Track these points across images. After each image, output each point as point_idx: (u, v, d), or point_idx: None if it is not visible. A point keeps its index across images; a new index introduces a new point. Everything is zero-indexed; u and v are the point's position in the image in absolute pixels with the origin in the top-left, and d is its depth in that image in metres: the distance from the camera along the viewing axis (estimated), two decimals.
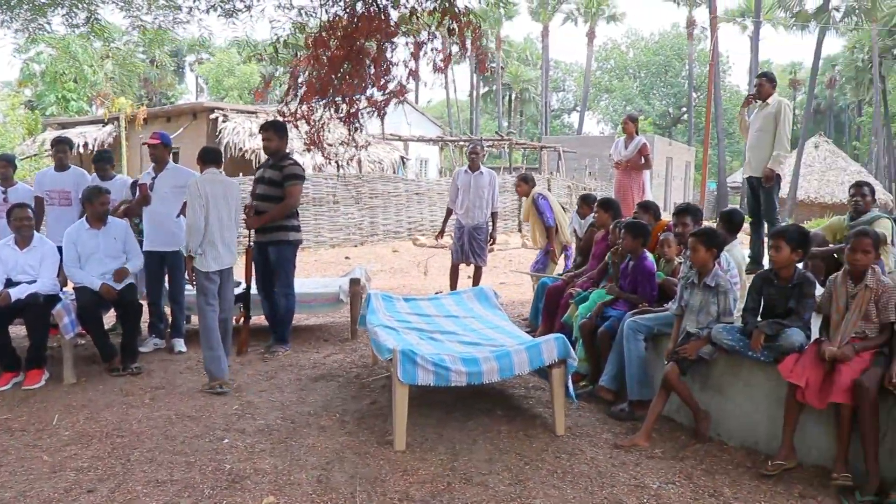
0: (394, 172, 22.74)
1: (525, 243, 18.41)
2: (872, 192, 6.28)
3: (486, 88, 62.32)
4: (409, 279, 13.35)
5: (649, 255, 6.06)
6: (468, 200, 9.26)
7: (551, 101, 72.41)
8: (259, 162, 14.53)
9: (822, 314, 4.62)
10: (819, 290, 4.78)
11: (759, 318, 4.79)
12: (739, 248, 5.88)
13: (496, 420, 5.29)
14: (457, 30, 6.86)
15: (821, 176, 40.05)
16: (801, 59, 47.46)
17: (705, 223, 6.06)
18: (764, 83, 8.05)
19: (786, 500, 4.09)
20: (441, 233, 9.79)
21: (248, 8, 7.86)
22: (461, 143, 27.52)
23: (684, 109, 62.00)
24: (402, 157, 24.60)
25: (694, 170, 42.32)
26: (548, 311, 7.01)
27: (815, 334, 4.66)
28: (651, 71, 69.13)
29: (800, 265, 4.92)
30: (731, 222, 5.94)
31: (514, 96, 62.66)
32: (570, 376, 5.08)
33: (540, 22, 55.28)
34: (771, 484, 4.29)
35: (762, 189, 7.89)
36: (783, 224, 6.74)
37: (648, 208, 6.98)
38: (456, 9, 6.79)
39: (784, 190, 38.94)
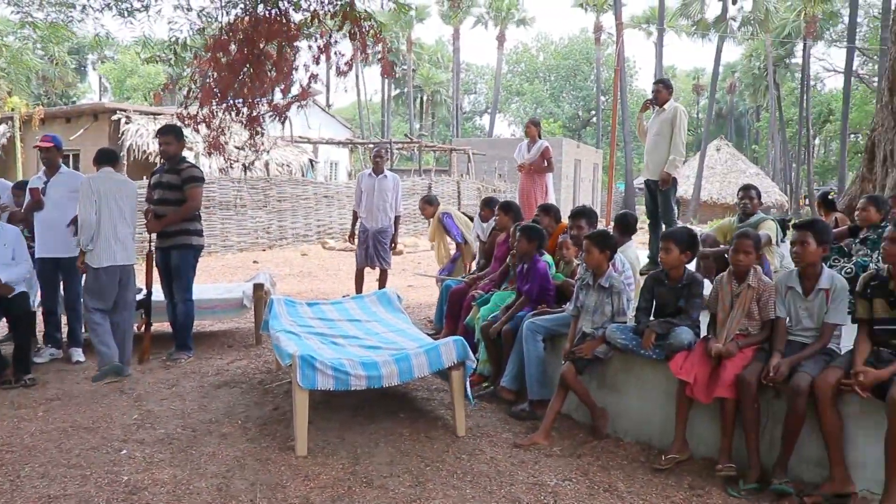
0: (303, 175, 22.53)
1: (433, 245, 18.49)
2: (759, 194, 6.54)
3: (398, 90, 62.35)
4: (318, 283, 13.26)
5: (546, 258, 6.17)
6: (372, 204, 9.27)
7: (463, 104, 72.90)
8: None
9: (710, 312, 4.81)
10: (709, 289, 4.96)
11: (651, 318, 4.95)
12: (633, 249, 6.06)
13: (399, 423, 5.32)
14: (358, 34, 6.85)
15: (722, 178, 41.49)
16: (703, 65, 49.25)
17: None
18: (661, 89, 8.28)
19: (676, 492, 4.24)
20: (352, 234, 9.77)
21: (146, 8, 7.69)
22: (371, 145, 27.47)
23: (593, 112, 63.28)
24: (310, 160, 24.40)
25: (602, 171, 43.23)
26: (451, 313, 7.07)
27: (704, 332, 4.85)
28: (561, 74, 70.36)
29: (690, 266, 5.10)
30: (624, 224, 6.12)
31: (425, 98, 62.84)
32: (468, 378, 5.14)
33: (451, 25, 55.57)
34: (663, 477, 4.44)
35: (659, 192, 8.14)
36: (676, 226, 6.98)
37: (549, 211, 7.10)
38: (357, 13, 6.77)
39: (688, 191, 40.24)
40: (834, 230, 6.42)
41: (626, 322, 5.12)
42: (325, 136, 27.83)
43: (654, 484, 4.36)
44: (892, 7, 7.05)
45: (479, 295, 6.68)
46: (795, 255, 4.40)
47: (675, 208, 8.30)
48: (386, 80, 56.31)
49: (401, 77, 60.03)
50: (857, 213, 6.27)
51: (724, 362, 4.41)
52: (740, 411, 4.34)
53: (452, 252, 9.74)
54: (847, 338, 4.41)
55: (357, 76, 52.17)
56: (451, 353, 5.00)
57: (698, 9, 43.07)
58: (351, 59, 7.46)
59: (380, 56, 8.20)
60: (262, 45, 6.97)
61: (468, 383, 5.17)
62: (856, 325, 4.34)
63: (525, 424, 5.34)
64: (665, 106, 8.19)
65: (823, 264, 4.47)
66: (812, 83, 53.38)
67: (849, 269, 5.76)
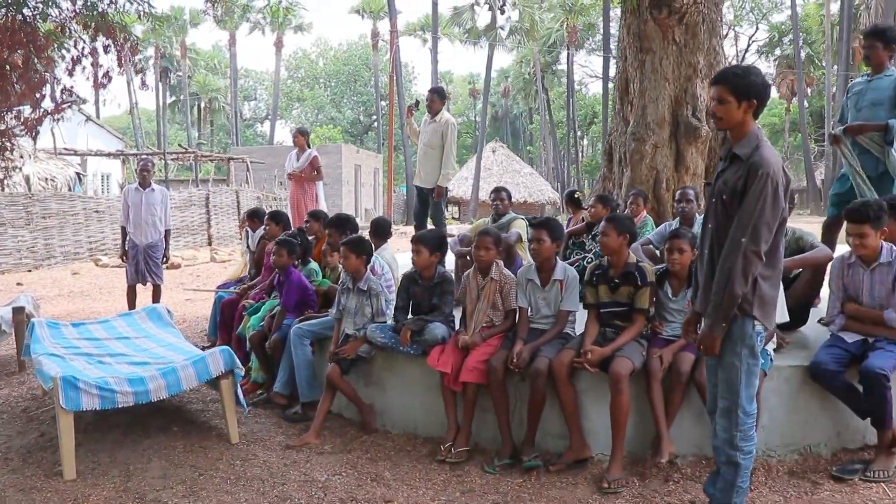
0: (69, 189, 21.31)
1: (214, 257, 18.16)
2: (509, 195, 7.06)
3: (174, 98, 60.08)
4: (91, 302, 12.67)
5: (312, 266, 6.40)
6: (140, 218, 9.03)
7: (243, 111, 71.49)
8: None
9: (461, 306, 5.23)
10: None
11: (409, 316, 5.30)
12: (390, 251, 6.39)
13: (172, 436, 5.33)
14: (112, 46, 6.72)
15: (499, 178, 43.33)
16: (478, 70, 51.33)
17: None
18: (435, 99, 8.46)
19: (438, 475, 4.60)
20: (125, 252, 9.46)
21: None
22: (144, 156, 26.44)
23: (374, 117, 64.13)
24: (77, 174, 23.13)
25: (383, 176, 43.96)
26: (223, 324, 7.13)
27: (458, 325, 5.25)
28: (341, 80, 70.70)
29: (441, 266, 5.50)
30: (378, 229, 6.45)
31: (203, 106, 60.94)
32: (239, 385, 5.26)
33: (226, 30, 54.34)
34: (426, 462, 4.79)
35: (431, 199, 8.49)
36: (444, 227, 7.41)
37: (318, 217, 7.31)
38: (110, 25, 6.64)
39: (467, 192, 41.87)
40: (576, 227, 7.11)
41: (385, 322, 5.43)
42: (94, 147, 26.45)
43: (419, 469, 4.70)
44: (621, 25, 7.94)
45: (249, 304, 6.78)
46: (533, 250, 4.90)
47: (444, 211, 8.71)
48: (160, 87, 54.20)
49: (176, 84, 57.92)
50: (588, 210, 6.95)
51: (471, 351, 4.82)
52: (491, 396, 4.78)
53: None
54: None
55: (128, 83, 49.75)
56: (219, 362, 5.09)
57: (469, 17, 44.90)
58: (109, 72, 7.29)
59: (138, 69, 7.96)
60: (4, 55, 6.64)
61: (240, 391, 5.28)
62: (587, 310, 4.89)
63: (298, 427, 5.51)
64: (437, 117, 8.41)
65: (557, 258, 4.99)
66: (577, 88, 57.22)
67: (589, 260, 6.41)
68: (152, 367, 5.18)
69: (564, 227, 5.41)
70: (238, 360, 5.22)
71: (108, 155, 26.59)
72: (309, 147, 10.03)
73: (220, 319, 7.24)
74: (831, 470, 4.43)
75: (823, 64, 41.73)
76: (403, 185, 41.34)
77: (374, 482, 4.52)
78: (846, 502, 4.08)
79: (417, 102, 8.83)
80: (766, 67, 54.41)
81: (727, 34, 53.49)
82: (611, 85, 41.64)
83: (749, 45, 53.57)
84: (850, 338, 4.66)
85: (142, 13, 7.77)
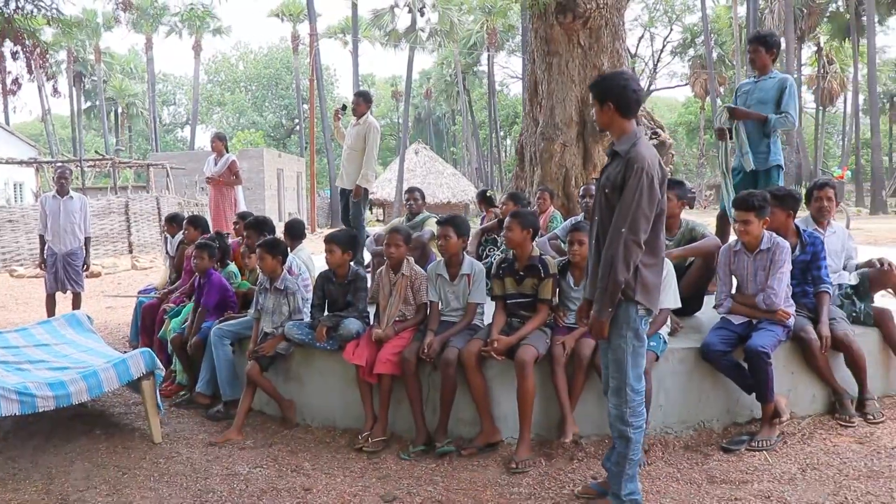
0: None
1: (135, 264, 17.96)
2: (423, 195, 7.33)
3: (89, 103, 58.65)
4: (7, 314, 12.44)
5: (231, 269, 6.55)
6: (58, 226, 9.00)
7: (163, 116, 70.24)
8: None
9: (375, 303, 5.45)
10: None
11: (325, 313, 5.50)
12: (306, 252, 6.57)
13: (95, 439, 5.40)
14: (20, 51, 6.71)
15: (422, 179, 43.61)
16: (401, 72, 51.58)
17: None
18: (360, 102, 8.63)
19: (356, 463, 4.82)
20: (43, 261, 9.38)
21: None
22: (60, 164, 25.85)
23: (297, 121, 63.77)
24: None
25: (306, 179, 43.81)
26: (145, 328, 7.20)
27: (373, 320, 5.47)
28: (262, 83, 70.09)
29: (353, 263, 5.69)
30: (292, 230, 6.63)
31: (120, 111, 59.62)
32: (160, 387, 5.37)
33: (143, 33, 53.30)
34: (345, 452, 5.00)
35: (352, 200, 8.67)
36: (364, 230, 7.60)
37: (245, 219, 7.41)
38: (17, 31, 6.62)
39: (391, 194, 42.01)
40: (489, 224, 7.39)
41: (302, 319, 5.61)
42: (4, 155, 25.76)
43: (338, 459, 4.91)
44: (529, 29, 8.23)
45: (170, 308, 6.86)
46: (440, 247, 5.15)
47: (363, 212, 8.88)
48: (74, 93, 52.87)
49: (91, 89, 56.55)
50: (500, 208, 7.25)
51: (385, 344, 5.05)
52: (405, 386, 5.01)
53: None
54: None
55: (40, 89, 48.36)
56: (140, 364, 5.21)
57: (389, 20, 45.06)
58: (18, 78, 7.25)
59: (49, 76, 7.93)
60: None
61: (157, 393, 5.38)
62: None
63: (221, 424, 5.65)
64: (360, 119, 8.60)
65: (465, 253, 5.25)
66: (499, 88, 57.91)
67: (498, 255, 6.69)
68: (73, 371, 5.25)
69: (471, 225, 5.63)
70: (159, 362, 5.33)
71: (21, 163, 25.91)
72: (227, 152, 10.12)
73: (142, 324, 7.29)
74: (721, 443, 4.78)
75: (734, 64, 43.15)
76: (328, 189, 41.22)
77: (295, 473, 4.70)
78: (732, 469, 4.43)
79: (345, 107, 9.01)
80: (681, 67, 56.11)
81: (643, 35, 55.04)
82: None
83: (664, 46, 55.08)
84: (737, 320, 5.04)
85: (50, 18, 7.72)
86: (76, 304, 9.22)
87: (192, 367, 6.27)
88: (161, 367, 5.37)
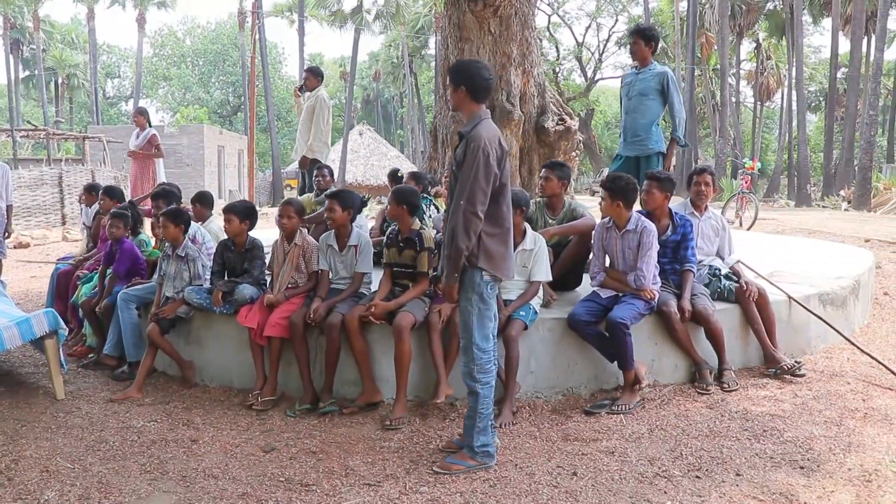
0: None
1: (66, 236, 17.95)
2: (332, 172, 7.68)
3: (27, 72, 57.33)
4: None
5: (142, 237, 6.86)
6: None
7: (106, 88, 68.99)
8: None
9: (271, 271, 5.79)
10: None
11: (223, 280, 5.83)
12: (218, 223, 6.87)
13: None
14: None
15: (366, 161, 43.92)
16: (349, 53, 51.37)
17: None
18: (310, 77, 9.26)
19: (245, 419, 5.17)
20: None
21: None
22: None
23: (243, 98, 63.16)
24: None
25: (248, 157, 43.56)
26: (59, 294, 7.44)
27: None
28: (209, 59, 69.24)
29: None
30: (201, 199, 6.94)
31: (60, 82, 58.37)
32: (61, 346, 5.64)
33: (84, 4, 52.26)
34: (236, 410, 5.35)
35: (305, 171, 9.11)
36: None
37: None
38: None
39: (335, 174, 42.05)
40: None
41: (202, 285, 5.93)
42: None
43: (228, 416, 5.26)
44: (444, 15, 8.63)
45: (84, 275, 7.12)
46: (327, 219, 5.50)
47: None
48: (11, 60, 51.61)
49: (30, 58, 55.29)
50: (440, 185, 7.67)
51: (276, 308, 5.41)
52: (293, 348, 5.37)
53: None
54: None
55: None
56: (43, 323, 5.48)
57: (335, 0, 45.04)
58: None
59: None
60: None
61: (62, 353, 5.66)
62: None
63: (125, 384, 5.93)
64: (312, 93, 9.12)
65: (352, 225, 5.61)
66: None
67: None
68: None
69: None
70: (62, 322, 5.60)
71: None
72: (150, 126, 10.37)
73: (56, 290, 7.52)
74: (585, 407, 5.22)
75: (675, 56, 44.02)
76: (270, 168, 41.14)
77: (185, 426, 5.03)
78: (586, 429, 4.85)
79: (302, 86, 9.37)
80: (626, 58, 56.85)
81: (590, 25, 55.66)
82: None
83: (609, 36, 55.76)
84: (605, 293, 5.49)
85: None
86: None
87: (101, 331, 6.54)
88: (64, 326, 5.65)
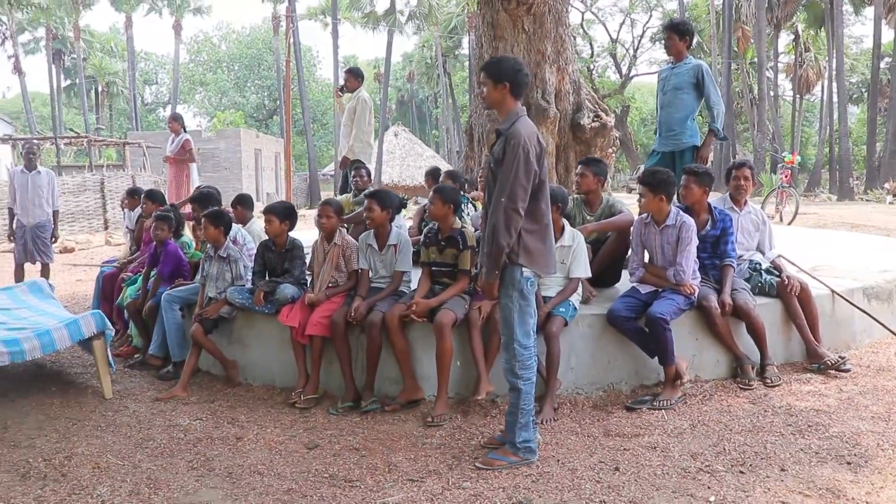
0: None
1: (109, 240, 18.27)
2: (369, 173, 7.74)
3: (69, 81, 58.34)
4: None
5: (185, 239, 6.98)
6: (26, 200, 9.37)
7: (144, 95, 70.00)
8: None
9: (312, 271, 5.86)
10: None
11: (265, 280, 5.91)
12: (259, 225, 6.96)
13: (50, 395, 5.79)
14: None
15: (402, 161, 44.02)
16: (383, 55, 51.46)
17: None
18: (350, 78, 9.31)
19: (287, 417, 5.24)
20: (12, 233, 9.73)
21: None
22: (28, 140, 25.98)
23: (278, 102, 63.69)
24: None
25: (285, 160, 43.93)
26: (104, 296, 7.59)
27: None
28: (244, 64, 69.89)
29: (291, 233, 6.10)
30: (242, 204, 7.04)
31: (100, 89, 59.32)
32: (109, 347, 5.76)
33: (123, 12, 53.08)
34: (280, 408, 5.42)
35: (341, 171, 9.25)
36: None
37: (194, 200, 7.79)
38: None
39: (372, 176, 42.27)
40: None
41: (244, 285, 6.02)
42: None
43: (272, 414, 5.33)
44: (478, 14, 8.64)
45: (128, 277, 7.26)
46: (366, 219, 5.56)
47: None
48: (54, 70, 52.52)
49: (71, 67, 56.26)
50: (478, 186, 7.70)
51: (317, 308, 5.47)
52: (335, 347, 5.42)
53: None
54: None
55: (15, 65, 48.07)
56: (91, 324, 5.60)
57: (368, 1, 45.18)
58: None
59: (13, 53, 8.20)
60: None
61: (110, 353, 5.78)
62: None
63: (170, 384, 6.04)
64: (353, 94, 9.19)
65: (391, 224, 5.66)
66: None
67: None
68: (28, 330, 5.63)
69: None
70: (108, 322, 5.73)
71: None
72: (185, 131, 10.61)
73: (102, 292, 7.68)
74: (626, 403, 5.21)
75: (711, 50, 43.56)
76: (307, 170, 41.46)
77: (230, 424, 5.12)
78: (628, 425, 4.85)
79: (343, 87, 9.47)
80: (661, 54, 56.40)
81: (624, 21, 55.32)
82: None
83: (644, 32, 55.37)
84: (644, 289, 5.47)
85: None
86: (44, 274, 9.57)
87: (146, 331, 6.67)
88: (111, 327, 5.77)
